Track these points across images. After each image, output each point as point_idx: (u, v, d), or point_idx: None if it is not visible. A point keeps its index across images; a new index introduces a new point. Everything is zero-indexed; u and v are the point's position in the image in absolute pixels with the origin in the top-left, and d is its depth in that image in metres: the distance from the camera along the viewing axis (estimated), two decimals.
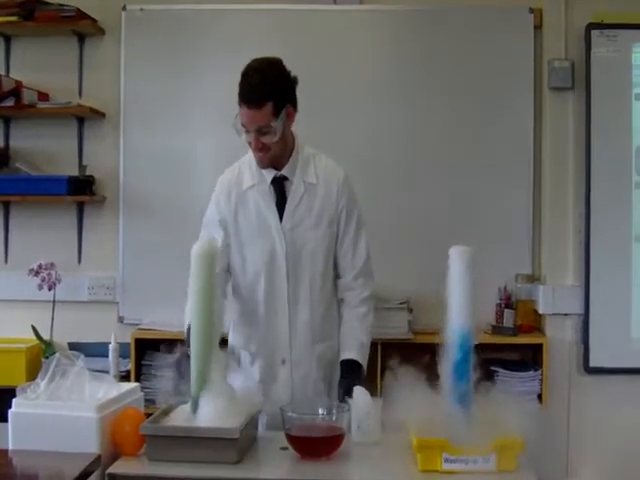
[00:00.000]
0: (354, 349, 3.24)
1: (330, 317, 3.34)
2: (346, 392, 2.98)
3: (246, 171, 3.33)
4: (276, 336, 3.27)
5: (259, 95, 3.07)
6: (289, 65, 4.74)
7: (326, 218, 3.28)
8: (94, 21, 4.80)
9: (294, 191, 3.27)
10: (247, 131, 3.12)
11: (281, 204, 3.27)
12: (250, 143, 3.16)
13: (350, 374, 3.17)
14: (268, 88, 3.10)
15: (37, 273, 4.42)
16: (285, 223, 3.25)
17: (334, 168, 3.35)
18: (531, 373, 4.51)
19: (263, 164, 3.24)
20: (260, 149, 3.15)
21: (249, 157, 3.32)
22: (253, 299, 3.29)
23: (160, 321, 4.62)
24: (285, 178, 3.27)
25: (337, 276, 3.37)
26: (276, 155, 3.21)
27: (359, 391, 2.87)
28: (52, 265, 4.44)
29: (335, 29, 4.80)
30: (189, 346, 2.80)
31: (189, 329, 2.83)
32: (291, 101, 3.19)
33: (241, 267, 3.31)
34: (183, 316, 3.05)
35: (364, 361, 3.26)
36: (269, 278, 3.25)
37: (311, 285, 3.27)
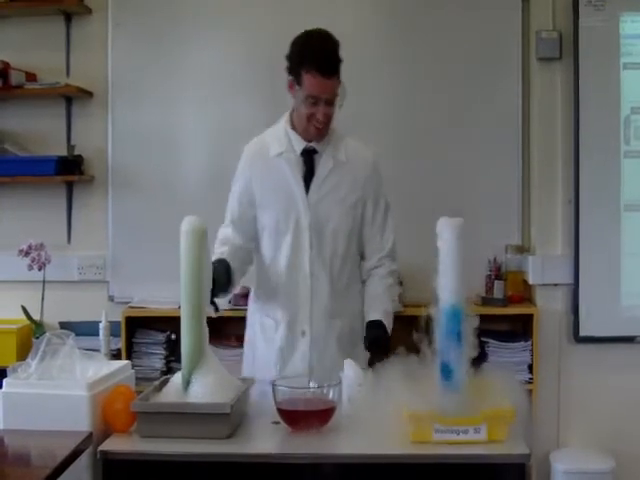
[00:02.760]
0: (379, 312, 3.25)
1: (350, 295, 3.33)
2: (372, 342, 3.06)
3: (274, 140, 3.31)
4: (297, 307, 3.28)
5: (335, 62, 3.09)
6: (274, 40, 4.77)
7: (351, 199, 3.27)
8: (80, 0, 4.77)
9: (323, 164, 3.26)
10: (314, 103, 3.12)
11: (307, 177, 3.26)
12: (312, 115, 3.15)
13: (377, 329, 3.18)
14: (338, 56, 3.12)
15: (27, 253, 4.40)
16: (311, 195, 3.24)
17: (364, 151, 3.35)
18: (521, 343, 4.53)
19: (322, 136, 3.24)
20: (327, 120, 3.16)
21: (275, 129, 3.32)
22: (276, 269, 3.30)
23: (150, 299, 4.63)
24: (315, 151, 3.26)
25: (363, 258, 3.37)
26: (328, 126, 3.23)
27: (349, 364, 2.88)
28: (42, 245, 4.42)
29: (321, 2, 4.78)
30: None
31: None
32: None
33: (266, 235, 3.31)
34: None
35: (389, 327, 3.25)
36: (293, 248, 3.26)
37: (331, 263, 3.27)
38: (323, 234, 3.25)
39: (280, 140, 3.29)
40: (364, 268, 3.37)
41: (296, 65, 3.13)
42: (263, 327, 3.40)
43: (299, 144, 3.26)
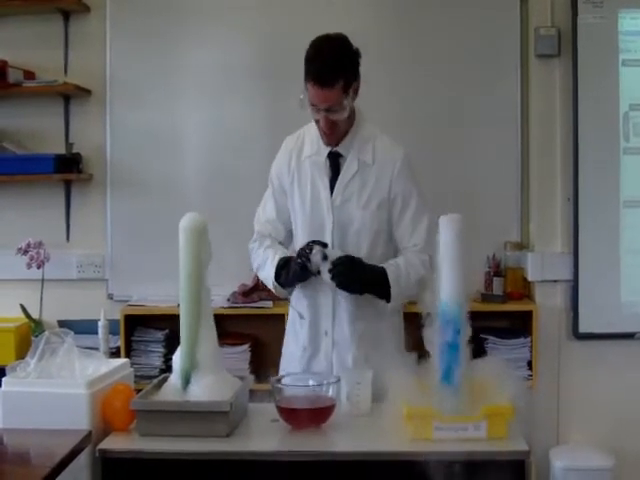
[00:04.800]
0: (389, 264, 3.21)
1: (374, 300, 3.25)
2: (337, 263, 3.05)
3: (307, 140, 3.32)
4: (320, 307, 3.28)
5: (331, 75, 3.03)
6: (274, 39, 4.77)
7: (376, 200, 3.24)
8: None
9: (347, 167, 3.24)
10: (317, 110, 3.10)
11: (333, 180, 3.26)
12: (318, 121, 3.15)
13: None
14: (339, 67, 3.06)
15: (25, 252, 4.40)
16: (335, 198, 3.24)
17: (393, 149, 3.29)
18: (521, 340, 4.53)
19: (331, 141, 3.23)
20: (330, 128, 3.14)
21: (313, 126, 3.28)
22: None
23: (149, 297, 4.63)
24: (340, 155, 3.25)
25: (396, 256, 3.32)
26: (342, 132, 3.21)
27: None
28: (40, 243, 4.42)
29: (320, 1, 4.77)
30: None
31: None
32: (357, 76, 3.15)
33: (294, 234, 3.36)
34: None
35: (391, 275, 3.17)
36: None
37: None
38: (346, 237, 3.23)
39: (312, 142, 3.29)
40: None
41: (304, 70, 3.11)
42: (293, 323, 3.40)
43: (325, 148, 3.26)
